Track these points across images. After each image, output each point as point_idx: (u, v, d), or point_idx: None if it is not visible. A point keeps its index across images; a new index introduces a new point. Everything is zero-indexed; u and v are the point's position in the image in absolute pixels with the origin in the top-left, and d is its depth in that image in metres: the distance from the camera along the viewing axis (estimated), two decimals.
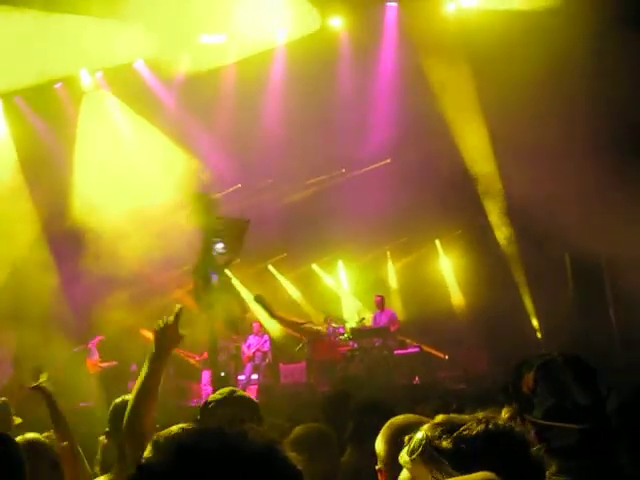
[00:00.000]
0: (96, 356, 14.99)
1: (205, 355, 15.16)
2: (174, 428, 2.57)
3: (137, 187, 14.45)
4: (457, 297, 16.87)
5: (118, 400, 3.96)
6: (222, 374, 12.56)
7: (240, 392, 3.41)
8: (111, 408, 4.00)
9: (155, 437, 1.49)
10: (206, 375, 15.14)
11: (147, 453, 1.35)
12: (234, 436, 1.28)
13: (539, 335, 15.17)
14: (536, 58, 11.65)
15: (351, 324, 15.28)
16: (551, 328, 14.28)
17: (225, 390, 3.37)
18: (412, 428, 2.71)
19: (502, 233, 15.28)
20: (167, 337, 3.30)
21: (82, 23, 12.69)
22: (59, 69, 14.50)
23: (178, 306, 3.37)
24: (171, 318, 3.31)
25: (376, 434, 2.85)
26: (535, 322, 15.29)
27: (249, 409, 3.19)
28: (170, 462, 1.24)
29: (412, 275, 16.97)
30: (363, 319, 15.02)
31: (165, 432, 2.55)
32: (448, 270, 17.26)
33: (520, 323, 15.08)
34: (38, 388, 4.12)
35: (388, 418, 2.94)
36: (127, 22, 13.01)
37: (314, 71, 14.04)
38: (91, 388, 13.88)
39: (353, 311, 16.94)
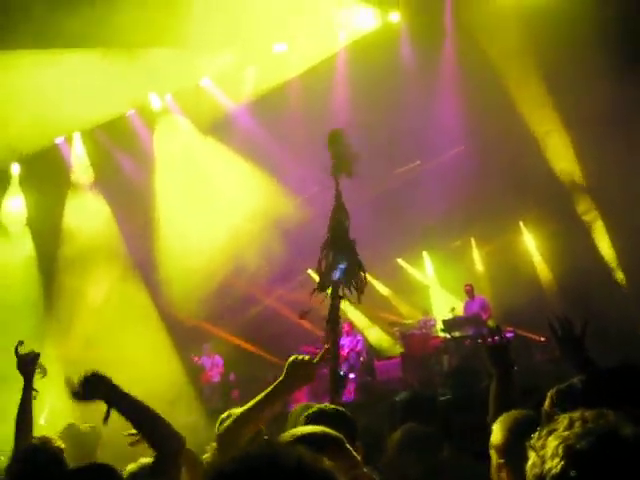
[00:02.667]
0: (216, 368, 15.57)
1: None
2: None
3: (219, 207, 14.79)
4: (546, 276, 16.57)
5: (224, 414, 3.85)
6: (341, 373, 12.43)
7: (341, 410, 3.21)
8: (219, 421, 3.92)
9: None
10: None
11: None
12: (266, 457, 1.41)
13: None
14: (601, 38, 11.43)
15: (442, 316, 15.18)
16: None
17: (329, 406, 3.25)
18: (529, 421, 2.71)
19: (586, 208, 14.99)
20: (301, 373, 3.12)
21: (147, 51, 13.02)
22: (129, 97, 14.89)
23: (319, 357, 3.17)
24: (309, 358, 3.14)
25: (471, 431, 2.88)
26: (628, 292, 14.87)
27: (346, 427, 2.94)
28: None
29: (499, 260, 16.72)
30: (453, 309, 14.93)
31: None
32: (535, 250, 16.97)
33: (613, 295, 14.70)
34: None
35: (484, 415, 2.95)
36: (188, 46, 13.27)
37: (378, 68, 14.03)
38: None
39: (442, 302, 16.86)
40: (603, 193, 14.16)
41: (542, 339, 14.67)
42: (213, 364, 15.92)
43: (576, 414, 1.58)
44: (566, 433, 1.52)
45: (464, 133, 15.45)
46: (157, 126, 16.03)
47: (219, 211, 14.90)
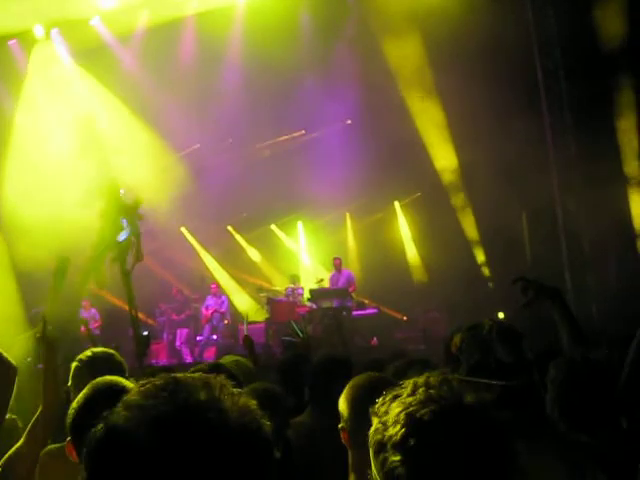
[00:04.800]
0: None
1: (187, 313, 15.36)
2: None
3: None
4: (416, 259, 16.98)
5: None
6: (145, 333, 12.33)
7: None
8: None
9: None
10: (183, 333, 15.43)
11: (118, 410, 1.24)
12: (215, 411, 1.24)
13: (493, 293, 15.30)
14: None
15: (310, 285, 15.32)
16: (506, 288, 14.38)
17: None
18: (376, 387, 2.73)
19: (457, 195, 15.44)
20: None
21: None
22: (12, 24, 14.13)
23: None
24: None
25: (333, 394, 2.88)
26: (491, 284, 15.44)
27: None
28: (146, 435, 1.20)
29: (371, 237, 17.02)
30: (322, 280, 15.07)
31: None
32: (407, 232, 17.33)
33: (477, 283, 15.25)
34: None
35: (347, 378, 2.96)
36: None
37: (275, 30, 13.88)
38: None
39: (311, 272, 17.00)
40: (475, 190, 14.60)
41: (404, 318, 15.08)
42: (90, 317, 15.35)
43: (421, 379, 1.54)
44: (409, 399, 1.49)
45: (353, 107, 15.56)
46: (35, 58, 15.26)
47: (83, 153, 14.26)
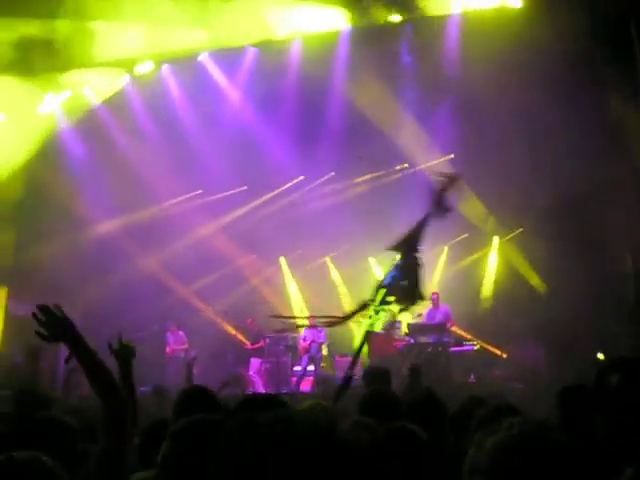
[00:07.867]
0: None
1: (260, 344, 15.49)
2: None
3: None
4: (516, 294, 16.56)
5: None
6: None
7: None
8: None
9: None
10: (255, 363, 15.52)
11: None
12: None
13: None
14: None
15: (407, 319, 15.19)
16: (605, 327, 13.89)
17: None
18: None
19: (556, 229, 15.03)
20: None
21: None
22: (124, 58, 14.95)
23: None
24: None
25: None
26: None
27: None
28: None
29: (469, 271, 16.79)
30: (420, 314, 14.96)
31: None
32: (504, 268, 16.90)
33: (577, 322, 14.75)
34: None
35: None
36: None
37: (377, 66, 14.03)
38: None
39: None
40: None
41: (504, 355, 14.74)
42: (177, 339, 15.87)
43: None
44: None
45: (456, 143, 15.47)
46: (144, 91, 16.02)
47: None
